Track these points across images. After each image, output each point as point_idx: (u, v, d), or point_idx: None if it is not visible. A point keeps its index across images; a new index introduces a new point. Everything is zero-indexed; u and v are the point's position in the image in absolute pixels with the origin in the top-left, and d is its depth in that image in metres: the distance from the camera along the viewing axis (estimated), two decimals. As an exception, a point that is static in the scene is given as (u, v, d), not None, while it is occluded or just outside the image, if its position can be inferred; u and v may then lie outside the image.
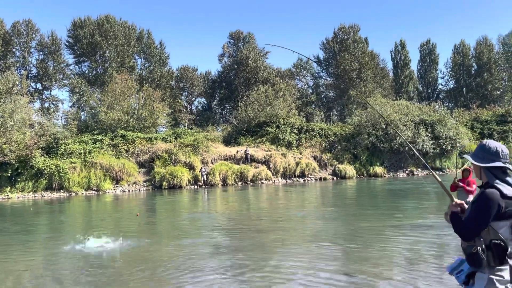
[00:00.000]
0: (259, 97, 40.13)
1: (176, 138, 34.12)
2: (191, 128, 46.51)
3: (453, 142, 34.10)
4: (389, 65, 63.82)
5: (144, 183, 30.31)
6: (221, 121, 57.94)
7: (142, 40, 54.41)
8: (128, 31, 52.17)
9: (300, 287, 5.79)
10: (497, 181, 2.71)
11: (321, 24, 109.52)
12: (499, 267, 2.62)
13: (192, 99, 61.76)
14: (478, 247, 2.65)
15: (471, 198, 9.77)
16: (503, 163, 2.77)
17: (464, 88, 61.24)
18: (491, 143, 2.85)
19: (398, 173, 33.70)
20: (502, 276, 2.62)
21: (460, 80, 62.00)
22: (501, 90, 60.47)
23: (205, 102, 62.40)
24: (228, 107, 58.89)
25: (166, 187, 29.17)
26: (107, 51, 49.59)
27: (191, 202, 21.26)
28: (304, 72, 63.72)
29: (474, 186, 9.59)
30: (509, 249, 2.61)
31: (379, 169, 33.43)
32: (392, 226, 10.46)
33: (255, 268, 6.93)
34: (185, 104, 58.97)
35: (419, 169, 33.99)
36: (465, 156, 2.97)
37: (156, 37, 70.49)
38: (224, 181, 30.65)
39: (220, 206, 18.86)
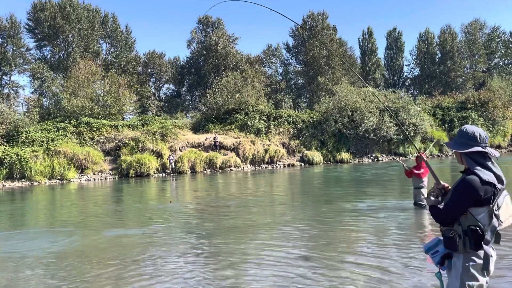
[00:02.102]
0: (228, 84, 39.96)
1: (143, 126, 33.62)
2: (160, 115, 45.88)
3: (416, 128, 35.20)
4: (357, 53, 64.78)
5: (110, 172, 29.81)
6: (190, 108, 57.34)
7: (107, 24, 52.70)
8: (92, 14, 50.40)
9: (265, 269, 5.94)
10: (477, 166, 2.70)
11: (290, 11, 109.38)
12: (474, 252, 2.65)
13: (160, 85, 60.73)
14: (456, 232, 2.69)
15: (425, 182, 10.26)
16: (482, 147, 2.73)
17: (428, 76, 63.05)
18: (469, 128, 2.82)
19: (363, 158, 34.57)
20: (475, 261, 2.66)
21: (424, 68, 63.73)
22: (463, 77, 62.64)
23: (174, 88, 61.50)
24: (197, 94, 58.29)
25: (133, 175, 28.82)
26: (70, 35, 47.81)
27: (159, 190, 21.12)
28: (274, 58, 63.72)
29: (422, 170, 10.19)
30: (485, 236, 2.62)
31: (345, 155, 34.19)
32: (355, 210, 10.80)
33: (221, 254, 7.03)
34: (153, 91, 57.92)
35: (384, 155, 34.98)
36: (445, 143, 3.00)
37: (121, 21, 68.43)
38: (193, 169, 30.57)
39: (188, 193, 18.84)
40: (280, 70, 62.86)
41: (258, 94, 40.46)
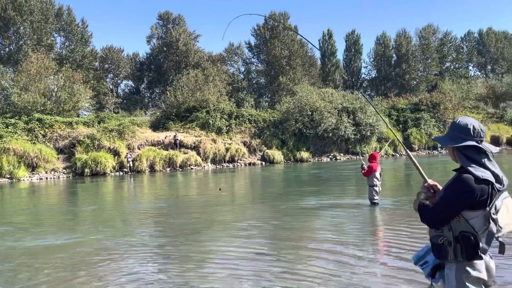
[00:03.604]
0: (189, 81, 39.49)
1: (99, 123, 32.54)
2: (117, 112, 44.66)
3: (372, 128, 36.32)
4: (317, 54, 65.91)
5: (64, 170, 28.66)
6: (150, 105, 56.18)
7: (61, 17, 50.52)
8: (45, 6, 48.08)
9: (223, 268, 5.88)
10: (471, 163, 2.35)
11: (253, 9, 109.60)
12: (467, 261, 2.31)
13: (118, 81, 59.02)
14: (446, 239, 2.35)
15: (375, 180, 10.59)
16: (476, 141, 2.38)
17: (385, 78, 65.24)
18: (462, 120, 2.47)
19: (322, 157, 35.25)
20: (469, 273, 2.31)
21: (381, 70, 65.87)
22: (417, 80, 65.29)
23: (133, 85, 59.99)
24: (157, 91, 57.21)
25: (88, 174, 27.84)
26: (22, 27, 45.42)
27: (115, 189, 20.52)
28: (236, 57, 63.64)
29: (366, 168, 10.63)
30: (481, 244, 2.27)
31: (305, 154, 34.71)
32: (313, 207, 10.96)
33: (179, 254, 6.91)
34: (110, 87, 56.21)
35: (341, 154, 35.83)
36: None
37: (77, 14, 66.06)
38: (152, 167, 29.96)
39: (146, 193, 18.43)
40: (242, 69, 62.87)
41: (219, 92, 40.25)
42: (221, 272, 5.77)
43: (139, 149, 31.37)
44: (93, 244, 7.94)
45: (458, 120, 2.48)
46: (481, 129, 2.42)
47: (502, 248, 2.39)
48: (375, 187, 10.58)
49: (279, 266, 5.95)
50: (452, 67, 70.27)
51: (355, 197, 13.09)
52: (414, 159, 2.90)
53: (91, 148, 29.41)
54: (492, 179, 2.29)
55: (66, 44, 51.46)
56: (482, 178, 2.26)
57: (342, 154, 35.77)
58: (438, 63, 66.34)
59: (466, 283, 2.30)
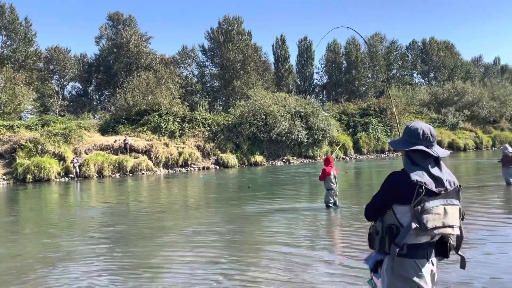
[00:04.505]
0: (140, 84, 38.45)
1: (43, 126, 30.85)
2: (63, 115, 42.65)
3: (324, 132, 37.16)
4: (271, 59, 66.70)
5: (4, 177, 26.84)
6: (99, 108, 54.15)
7: (3, 15, 47.63)
8: (-16, 3, 45.24)
9: (175, 274, 5.66)
10: (413, 167, 2.43)
11: (206, 12, 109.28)
12: (401, 259, 2.39)
13: (65, 83, 56.44)
14: (374, 228, 2.53)
15: (331, 184, 10.75)
16: (425, 146, 2.45)
17: (335, 83, 67.20)
18: (414, 124, 2.55)
19: (276, 161, 35.55)
20: (393, 268, 2.42)
21: (332, 76, 67.78)
22: (366, 86, 67.81)
23: (80, 87, 57.61)
24: (106, 93, 55.26)
25: (31, 180, 26.26)
26: (-43, 24, 42.39)
27: (58, 196, 19.47)
28: (189, 60, 62.94)
29: (320, 173, 10.83)
30: (399, 236, 2.36)
31: (259, 158, 34.85)
32: (267, 211, 10.93)
33: (128, 261, 6.59)
34: (56, 89, 53.60)
35: (295, 158, 36.35)
36: (389, 142, 2.70)
37: (20, 12, 62.61)
38: (100, 173, 28.78)
39: (93, 199, 17.64)
40: (196, 72, 62.26)
41: (172, 95, 39.52)
42: (175, 279, 5.57)
43: (86, 153, 30.04)
44: (33, 256, 7.41)
45: (410, 125, 2.55)
46: (431, 134, 2.49)
47: (462, 263, 2.51)
48: (331, 191, 10.71)
49: (233, 271, 5.83)
50: (398, 74, 73.65)
51: (308, 200, 13.25)
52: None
53: (34, 153, 27.80)
54: (428, 183, 2.35)
55: (7, 43, 48.60)
56: (411, 179, 2.36)
57: (295, 158, 36.27)
58: (385, 70, 69.26)
59: (392, 277, 2.43)
